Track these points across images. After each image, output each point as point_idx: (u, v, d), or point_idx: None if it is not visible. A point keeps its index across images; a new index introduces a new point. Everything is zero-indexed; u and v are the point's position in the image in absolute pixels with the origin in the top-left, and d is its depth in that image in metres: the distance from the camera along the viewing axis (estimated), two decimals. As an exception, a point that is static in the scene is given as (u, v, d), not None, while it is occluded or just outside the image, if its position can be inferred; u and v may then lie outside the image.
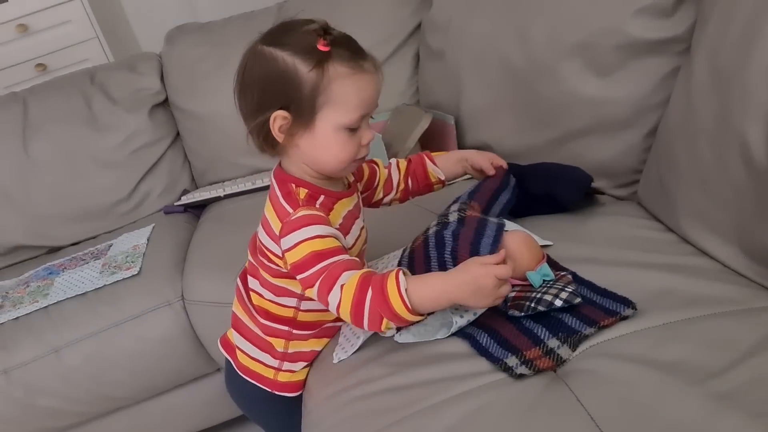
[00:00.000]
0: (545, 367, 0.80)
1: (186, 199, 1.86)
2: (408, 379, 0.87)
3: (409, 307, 0.82)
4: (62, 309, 1.45)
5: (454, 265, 0.92)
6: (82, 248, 1.77)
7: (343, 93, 0.85)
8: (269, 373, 1.04)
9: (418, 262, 1.01)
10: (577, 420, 0.71)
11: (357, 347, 0.97)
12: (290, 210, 0.89)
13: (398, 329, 0.93)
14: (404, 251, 1.08)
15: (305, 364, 1.04)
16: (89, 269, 1.56)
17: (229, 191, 1.79)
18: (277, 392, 1.04)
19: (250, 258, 1.02)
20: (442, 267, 0.97)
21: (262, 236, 0.95)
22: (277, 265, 0.95)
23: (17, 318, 1.47)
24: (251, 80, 0.88)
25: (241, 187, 1.79)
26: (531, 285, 0.93)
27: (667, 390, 0.72)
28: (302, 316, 1.01)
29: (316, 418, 0.93)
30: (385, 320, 0.83)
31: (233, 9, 2.16)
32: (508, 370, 0.81)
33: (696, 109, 1.00)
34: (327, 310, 0.90)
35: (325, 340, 1.05)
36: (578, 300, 0.86)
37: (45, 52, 2.63)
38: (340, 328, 1.05)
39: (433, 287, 0.84)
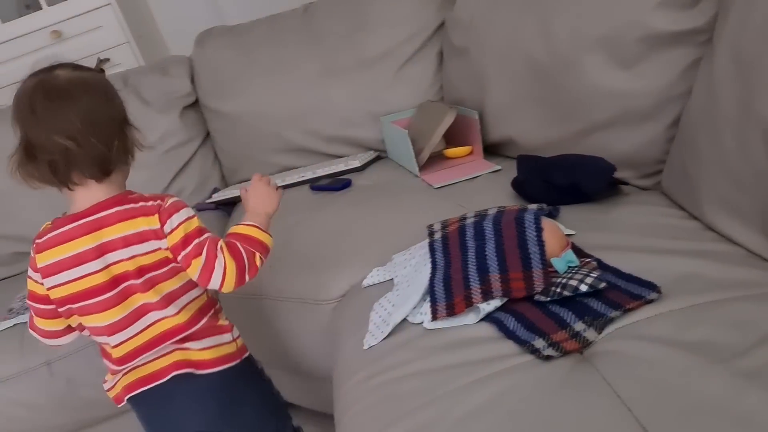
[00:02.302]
0: (572, 349, 0.82)
1: (217, 197, 1.91)
2: (437, 362, 0.89)
3: (265, 231, 1.07)
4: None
5: (498, 262, 0.96)
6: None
7: None
8: (232, 347, 1.11)
9: (453, 249, 1.04)
10: (605, 398, 0.73)
11: (386, 334, 1.00)
12: (158, 201, 1.01)
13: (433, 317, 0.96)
14: (433, 234, 1.11)
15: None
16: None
17: (258, 188, 1.84)
18: (243, 357, 1.14)
19: (147, 300, 1.02)
20: (481, 261, 0.99)
21: (141, 253, 1.00)
22: (169, 261, 1.01)
23: (58, 312, 1.53)
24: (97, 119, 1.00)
25: (271, 185, 1.83)
26: (556, 271, 0.95)
27: (692, 369, 0.73)
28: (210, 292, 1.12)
29: (347, 403, 0.96)
30: (257, 255, 1.04)
31: (259, 11, 2.20)
32: (535, 352, 0.83)
33: (718, 99, 1.02)
34: None
35: None
36: (603, 285, 0.88)
37: (78, 57, 2.66)
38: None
39: (258, 212, 1.12)
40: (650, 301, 0.86)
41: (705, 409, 0.68)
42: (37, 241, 1.04)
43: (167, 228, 0.99)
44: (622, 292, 0.88)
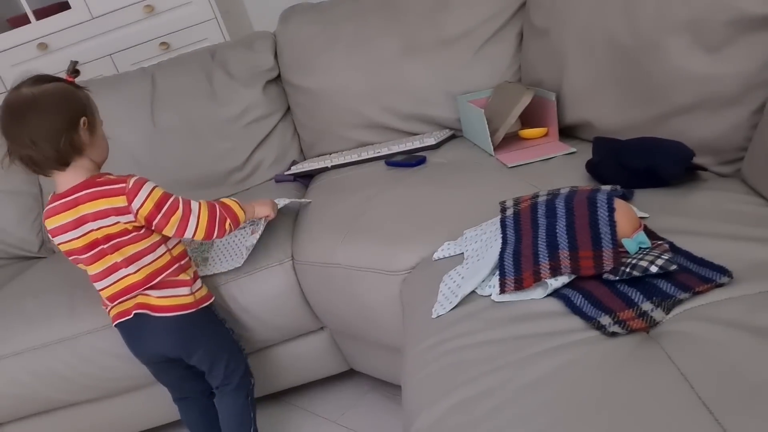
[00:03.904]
0: (638, 327, 0.83)
1: (295, 169, 1.98)
2: (503, 333, 0.92)
3: (242, 209, 1.41)
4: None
5: (569, 240, 0.98)
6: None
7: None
8: (189, 299, 1.39)
9: (524, 225, 1.06)
10: (669, 375, 0.74)
11: (455, 304, 1.03)
12: (121, 184, 1.28)
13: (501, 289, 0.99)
14: (505, 210, 1.13)
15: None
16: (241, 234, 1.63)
17: (335, 162, 1.89)
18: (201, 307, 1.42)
19: (115, 260, 1.33)
20: (552, 238, 1.00)
21: (106, 225, 1.28)
22: (136, 229, 1.30)
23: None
24: (44, 129, 1.23)
25: (347, 159, 1.88)
26: (627, 252, 0.96)
27: (760, 352, 0.73)
28: (175, 251, 1.39)
29: (414, 367, 0.99)
30: (228, 222, 1.37)
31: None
32: (601, 328, 0.85)
33: (808, 85, 0.99)
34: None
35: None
36: (674, 267, 0.88)
37: (168, 31, 2.83)
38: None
39: (251, 203, 1.46)
40: (721, 285, 0.86)
41: (770, 392, 0.68)
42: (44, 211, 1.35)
43: (136, 204, 1.27)
44: (693, 275, 0.88)
